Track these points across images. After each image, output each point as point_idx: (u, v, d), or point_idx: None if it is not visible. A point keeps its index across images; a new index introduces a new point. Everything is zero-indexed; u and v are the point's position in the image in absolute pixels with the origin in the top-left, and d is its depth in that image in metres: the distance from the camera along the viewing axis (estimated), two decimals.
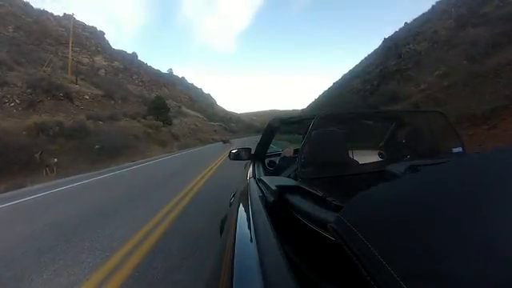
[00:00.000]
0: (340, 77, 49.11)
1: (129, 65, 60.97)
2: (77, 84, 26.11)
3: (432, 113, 1.92)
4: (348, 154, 1.43)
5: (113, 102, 26.26)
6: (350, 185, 1.26)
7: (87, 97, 23.82)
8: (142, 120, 21.94)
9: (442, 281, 0.25)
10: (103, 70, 43.07)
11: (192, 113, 54.66)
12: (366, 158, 1.86)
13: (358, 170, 1.47)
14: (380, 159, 2.03)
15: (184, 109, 52.14)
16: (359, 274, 0.32)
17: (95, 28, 65.94)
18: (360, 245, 0.34)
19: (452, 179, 0.36)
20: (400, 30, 37.16)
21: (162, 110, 25.22)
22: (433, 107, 13.44)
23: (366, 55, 44.90)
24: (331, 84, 52.91)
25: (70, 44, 28.29)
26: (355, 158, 1.52)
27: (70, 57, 27.74)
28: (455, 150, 1.55)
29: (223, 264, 0.61)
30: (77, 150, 11.67)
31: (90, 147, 12.17)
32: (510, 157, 0.36)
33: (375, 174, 1.31)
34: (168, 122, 26.10)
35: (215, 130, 49.07)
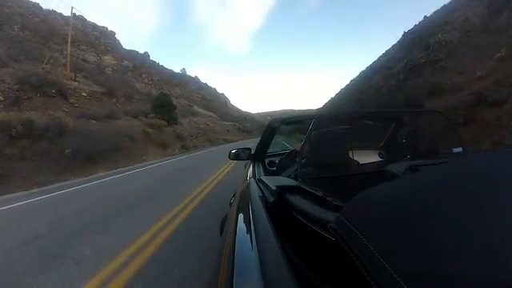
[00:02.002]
0: (357, 74, 46.71)
1: (140, 64, 59.53)
2: (76, 81, 24.11)
3: (432, 113, 1.95)
4: (348, 154, 1.47)
5: (114, 99, 23.95)
6: (350, 185, 1.30)
7: (85, 94, 21.58)
8: (144, 119, 19.41)
9: (442, 281, 0.24)
10: (110, 68, 41.19)
11: (204, 112, 52.23)
12: (366, 158, 1.86)
13: (358, 170, 1.51)
14: (380, 159, 2.08)
15: (196, 108, 49.77)
16: (359, 273, 0.32)
17: (106, 28, 64.95)
18: (360, 245, 0.34)
19: (452, 179, 0.36)
20: (420, 23, 35.70)
21: (166, 107, 22.63)
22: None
23: (384, 51, 43.36)
24: (348, 82, 49.81)
25: (69, 39, 26.38)
26: (355, 158, 1.55)
27: (68, 52, 25.64)
28: (455, 150, 1.56)
29: (223, 264, 0.61)
30: (45, 154, 9.13)
31: (64, 151, 9.61)
32: (510, 157, 0.37)
33: (375, 174, 1.34)
34: (174, 121, 23.48)
35: (228, 130, 46.10)
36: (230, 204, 1.72)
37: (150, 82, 50.46)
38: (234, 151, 2.62)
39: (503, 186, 0.30)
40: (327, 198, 0.68)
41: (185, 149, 17.98)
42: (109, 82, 26.60)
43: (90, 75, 28.07)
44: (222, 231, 1.47)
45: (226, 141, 34.10)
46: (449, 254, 0.26)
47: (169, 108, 23.13)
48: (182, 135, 21.02)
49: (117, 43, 64.11)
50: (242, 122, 70.44)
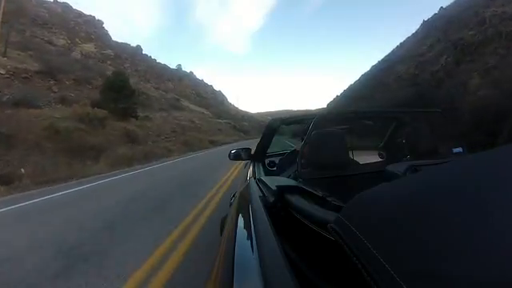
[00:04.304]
0: (369, 68, 40.60)
1: (129, 56, 52.76)
2: (5, 56, 16.92)
3: (432, 113, 1.90)
4: (348, 154, 1.44)
5: (52, 81, 16.64)
6: (350, 185, 1.31)
7: (2, 71, 14.36)
8: (80, 108, 12.01)
9: (442, 281, 0.24)
10: (78, 52, 33.75)
11: (195, 108, 44.51)
12: (366, 158, 1.89)
13: (358, 170, 1.50)
14: (380, 159, 2.11)
15: (184, 103, 42.13)
16: (359, 273, 0.31)
17: (93, 17, 58.18)
18: (360, 245, 0.33)
19: (452, 179, 0.35)
20: (446, 9, 29.24)
21: (121, 93, 14.73)
22: None
23: (398, 44, 39.06)
24: (357, 77, 43.20)
25: (1, 10, 18.89)
26: (355, 159, 1.54)
27: None
28: (455, 150, 1.61)
29: (223, 264, 0.60)
30: None
31: None
32: (510, 157, 0.36)
33: (375, 174, 1.37)
34: (132, 113, 15.80)
35: (220, 129, 37.41)
36: (230, 204, 1.71)
37: (135, 73, 43.05)
38: (233, 151, 2.56)
39: (504, 186, 0.29)
40: (327, 198, 0.67)
41: (130, 161, 9.77)
42: (59, 63, 19.29)
43: (39, 54, 20.76)
44: (222, 231, 1.36)
45: (214, 143, 25.11)
46: (449, 255, 0.25)
47: (126, 93, 15.24)
48: (137, 135, 13.10)
49: (104, 33, 57.31)
50: (239, 121, 62.24)
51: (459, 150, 1.55)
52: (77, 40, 42.24)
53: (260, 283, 0.40)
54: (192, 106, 43.92)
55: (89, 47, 41.89)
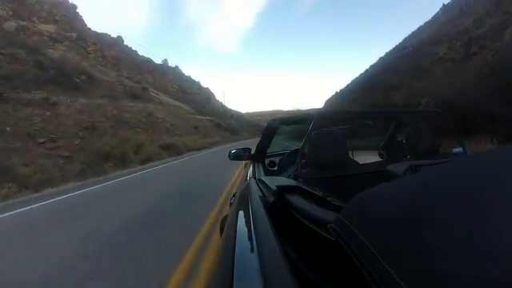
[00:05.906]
0: (377, 60, 34.88)
1: (106, 46, 45.59)
2: None
3: (432, 113, 1.87)
4: (348, 154, 1.43)
5: None
6: (350, 185, 1.28)
7: None
8: None
9: (442, 281, 0.24)
10: (14, 25, 26.15)
11: (173, 102, 37.22)
12: (366, 157, 1.87)
13: (358, 170, 1.47)
14: (380, 159, 2.08)
15: (160, 96, 34.79)
16: (359, 273, 0.31)
17: (66, 0, 50.65)
18: (360, 245, 0.32)
19: (452, 179, 0.34)
20: None
21: None
22: None
23: (410, 33, 36.02)
24: (362, 71, 37.10)
25: None
26: (355, 159, 1.53)
27: None
28: (455, 150, 1.56)
29: (223, 264, 0.59)
30: None
31: None
32: (510, 157, 0.35)
33: (375, 174, 1.34)
34: None
35: (196, 127, 28.04)
36: (231, 204, 1.68)
37: (100, 59, 35.63)
38: (233, 151, 2.46)
39: (504, 186, 0.28)
40: (327, 198, 0.67)
41: None
42: None
43: None
44: (222, 231, 1.34)
45: (172, 153, 14.92)
46: (449, 254, 0.25)
47: None
48: None
49: (77, 19, 49.75)
50: (226, 119, 54.58)
51: (459, 149, 1.54)
52: (34, 19, 35.00)
53: (260, 283, 0.39)
54: (168, 100, 36.60)
55: (48, 28, 34.52)
